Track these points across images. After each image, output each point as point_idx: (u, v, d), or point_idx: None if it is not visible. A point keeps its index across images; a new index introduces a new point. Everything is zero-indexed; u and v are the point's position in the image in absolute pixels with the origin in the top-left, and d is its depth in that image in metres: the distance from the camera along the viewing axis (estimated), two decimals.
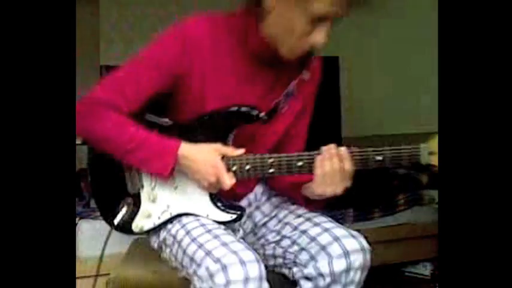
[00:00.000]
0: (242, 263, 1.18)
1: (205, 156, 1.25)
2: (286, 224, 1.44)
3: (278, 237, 1.44)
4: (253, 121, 1.30)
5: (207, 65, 1.27)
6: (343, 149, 1.24)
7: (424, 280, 2.84)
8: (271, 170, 1.26)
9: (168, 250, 1.43)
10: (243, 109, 1.27)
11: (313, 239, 1.33)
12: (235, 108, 1.28)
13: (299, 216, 1.44)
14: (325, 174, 1.22)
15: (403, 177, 3.19)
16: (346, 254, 1.27)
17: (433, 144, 1.19)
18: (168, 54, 1.27)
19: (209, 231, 1.31)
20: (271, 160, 1.26)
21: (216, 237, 1.27)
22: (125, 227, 1.44)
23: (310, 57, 1.36)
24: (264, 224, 1.51)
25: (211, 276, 1.19)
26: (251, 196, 1.49)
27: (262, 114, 1.29)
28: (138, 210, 1.42)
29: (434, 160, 1.18)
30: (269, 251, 1.46)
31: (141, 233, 1.47)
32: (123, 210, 1.42)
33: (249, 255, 1.21)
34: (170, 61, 1.27)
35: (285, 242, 1.40)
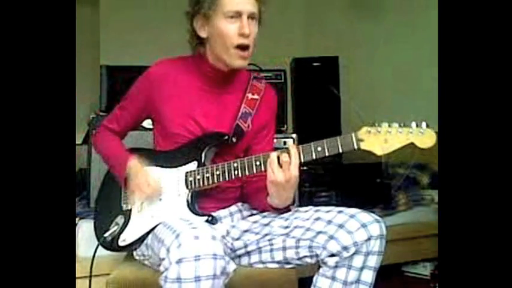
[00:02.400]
0: (196, 238, 1.24)
1: (139, 180, 1.54)
2: (296, 218, 1.50)
3: (288, 230, 1.48)
4: (224, 144, 1.57)
5: (169, 92, 1.58)
6: (290, 145, 1.44)
7: (424, 280, 2.84)
8: (236, 172, 1.49)
9: (150, 260, 1.52)
10: (216, 135, 1.56)
11: (329, 222, 1.41)
12: (209, 134, 1.57)
13: (306, 211, 1.51)
14: (273, 180, 1.42)
15: (403, 177, 3.20)
16: (364, 225, 1.37)
17: (361, 132, 1.38)
18: (137, 92, 1.63)
19: (170, 226, 1.39)
20: (235, 164, 1.49)
21: (175, 226, 1.36)
22: (113, 243, 1.57)
23: (253, 80, 1.65)
24: (268, 224, 1.54)
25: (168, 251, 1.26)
26: (232, 208, 1.62)
27: (233, 139, 1.56)
28: (126, 225, 1.58)
29: (364, 145, 1.37)
30: (278, 244, 1.49)
31: (126, 246, 1.56)
32: (113, 229, 1.57)
33: (205, 233, 1.27)
34: (138, 96, 1.62)
35: (297, 231, 1.46)
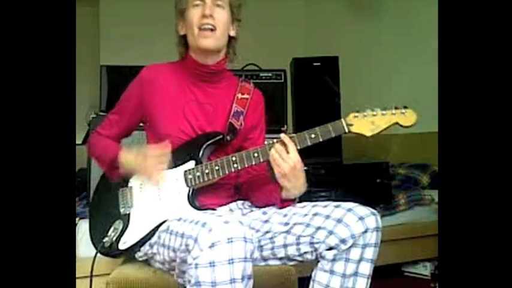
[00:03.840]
0: (226, 222, 1.27)
1: (137, 159, 1.55)
2: (294, 214, 1.52)
3: (288, 227, 1.50)
4: (220, 142, 1.61)
5: (160, 95, 1.62)
6: (282, 135, 1.49)
7: (424, 280, 2.85)
8: (235, 165, 1.52)
9: (157, 257, 1.51)
10: (211, 134, 1.60)
11: (327, 216, 1.44)
12: (204, 134, 1.60)
13: (304, 206, 1.53)
14: (282, 173, 1.47)
15: (403, 177, 3.20)
16: (361, 218, 1.41)
17: (349, 118, 1.49)
18: (129, 96, 1.67)
19: (187, 220, 1.41)
20: (234, 158, 1.53)
21: (196, 218, 1.38)
22: (112, 248, 1.56)
23: (242, 82, 1.71)
24: (267, 221, 1.55)
25: (196, 240, 1.26)
26: (232, 205, 1.64)
27: (227, 137, 1.60)
28: (126, 229, 1.57)
29: (353, 129, 1.48)
30: (279, 242, 1.51)
31: (128, 249, 1.55)
32: (112, 234, 1.56)
33: (233, 219, 1.30)
34: (130, 100, 1.66)
35: (298, 228, 1.48)
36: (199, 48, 1.59)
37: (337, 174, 2.82)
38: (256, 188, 1.66)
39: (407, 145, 3.34)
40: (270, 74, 2.62)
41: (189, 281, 1.27)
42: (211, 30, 1.57)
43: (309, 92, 3.07)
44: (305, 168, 2.07)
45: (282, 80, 2.64)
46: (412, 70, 3.58)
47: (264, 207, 1.63)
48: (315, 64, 3.09)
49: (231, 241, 1.23)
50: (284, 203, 1.56)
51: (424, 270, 2.89)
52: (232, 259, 1.22)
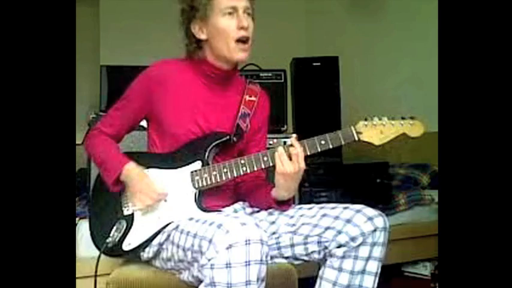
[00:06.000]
0: (243, 224, 1.27)
1: (142, 184, 1.53)
2: (301, 215, 1.52)
3: (295, 227, 1.51)
4: (225, 143, 1.60)
5: (170, 92, 1.58)
6: (292, 138, 1.48)
7: (424, 280, 2.84)
8: (244, 168, 1.52)
9: (163, 254, 1.51)
10: (218, 135, 1.59)
11: (336, 217, 1.46)
12: (211, 134, 1.59)
13: (310, 208, 1.54)
14: (283, 172, 1.48)
15: (403, 177, 3.19)
16: (370, 218, 1.43)
17: (359, 126, 1.49)
18: (136, 91, 1.61)
19: (199, 220, 1.40)
20: (242, 161, 1.52)
21: (209, 218, 1.38)
22: (115, 249, 1.55)
23: (249, 84, 1.70)
24: (274, 222, 1.55)
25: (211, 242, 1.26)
26: (236, 206, 1.65)
27: (234, 138, 1.60)
28: (130, 230, 1.57)
29: (363, 137, 1.49)
30: (285, 242, 1.52)
31: (132, 250, 1.55)
32: (115, 234, 1.55)
33: (249, 221, 1.30)
34: (137, 96, 1.61)
35: (305, 228, 1.49)
36: (232, 61, 1.57)
37: (337, 174, 2.82)
38: (252, 190, 1.66)
39: (407, 145, 3.34)
40: (270, 74, 2.62)
41: (200, 280, 1.28)
42: (246, 42, 1.54)
43: (309, 92, 3.07)
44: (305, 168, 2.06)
45: (282, 80, 2.64)
46: (413, 69, 3.58)
47: (258, 207, 1.63)
48: (314, 64, 3.09)
49: (249, 243, 1.24)
50: (281, 205, 1.56)
51: (424, 270, 2.89)
52: (248, 261, 1.23)
